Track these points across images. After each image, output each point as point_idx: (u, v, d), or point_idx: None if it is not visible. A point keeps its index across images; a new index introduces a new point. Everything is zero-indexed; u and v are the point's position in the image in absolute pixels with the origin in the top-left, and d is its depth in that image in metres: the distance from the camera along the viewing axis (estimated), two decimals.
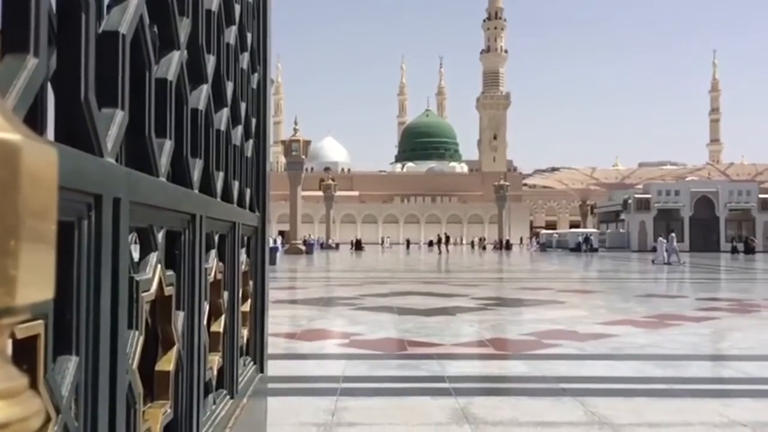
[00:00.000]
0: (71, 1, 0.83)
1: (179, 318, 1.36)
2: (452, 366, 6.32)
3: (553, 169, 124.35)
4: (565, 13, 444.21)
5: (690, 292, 16.04)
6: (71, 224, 0.83)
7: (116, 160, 0.99)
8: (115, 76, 0.97)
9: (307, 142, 45.00)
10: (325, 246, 58.71)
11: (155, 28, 1.33)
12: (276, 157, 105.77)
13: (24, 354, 0.68)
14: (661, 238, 33.31)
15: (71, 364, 0.81)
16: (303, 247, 43.56)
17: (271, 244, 24.50)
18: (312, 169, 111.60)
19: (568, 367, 6.44)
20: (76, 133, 0.86)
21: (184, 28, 1.43)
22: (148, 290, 1.13)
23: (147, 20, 1.13)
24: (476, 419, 4.46)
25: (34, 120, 1.10)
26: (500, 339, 8.25)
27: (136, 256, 1.24)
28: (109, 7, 1.01)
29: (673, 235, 33.45)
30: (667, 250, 31.50)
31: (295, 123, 44.86)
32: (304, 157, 44.26)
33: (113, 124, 0.95)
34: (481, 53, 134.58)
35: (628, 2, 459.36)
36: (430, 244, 55.46)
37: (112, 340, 0.92)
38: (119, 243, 0.94)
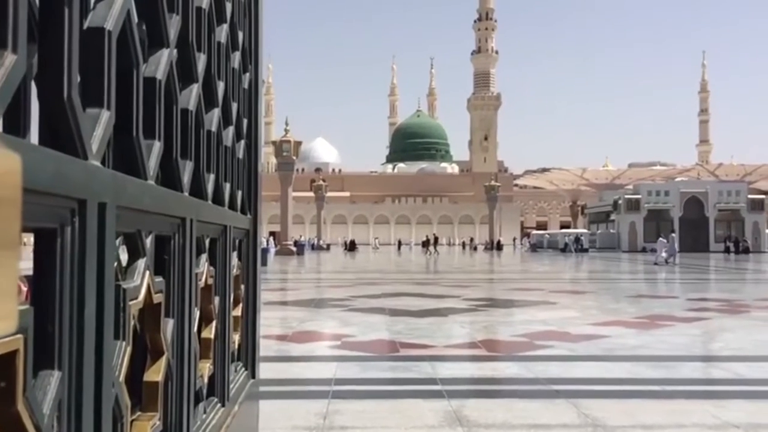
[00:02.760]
0: None
1: (168, 326, 1.31)
2: (444, 368, 6.29)
3: (544, 170, 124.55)
4: (556, 15, 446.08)
5: (681, 292, 16.08)
6: (53, 231, 0.79)
7: (102, 163, 0.94)
8: (100, 74, 0.92)
9: (298, 143, 44.95)
10: (316, 247, 58.68)
11: (144, 26, 1.29)
12: (267, 158, 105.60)
13: (2, 371, 0.64)
14: (661, 238, 33.17)
15: (53, 380, 0.77)
16: (294, 248, 43.49)
17: (263, 245, 24.43)
18: (303, 169, 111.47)
19: (561, 368, 6.43)
20: (58, 134, 0.81)
21: (173, 25, 1.38)
22: (136, 298, 1.08)
23: (135, 16, 1.09)
24: (469, 422, 4.43)
25: (16, 121, 1.05)
26: (492, 340, 8.23)
27: (124, 258, 1.20)
28: (95, 2, 0.96)
29: (674, 235, 33.38)
30: (666, 251, 31.28)
31: (286, 124, 44.81)
32: (295, 157, 44.23)
33: (98, 125, 0.91)
34: (471, 54, 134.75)
35: (617, 4, 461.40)
36: (424, 244, 55.47)
37: (97, 352, 0.87)
38: (105, 249, 0.90)
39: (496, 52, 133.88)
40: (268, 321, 9.14)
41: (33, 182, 0.67)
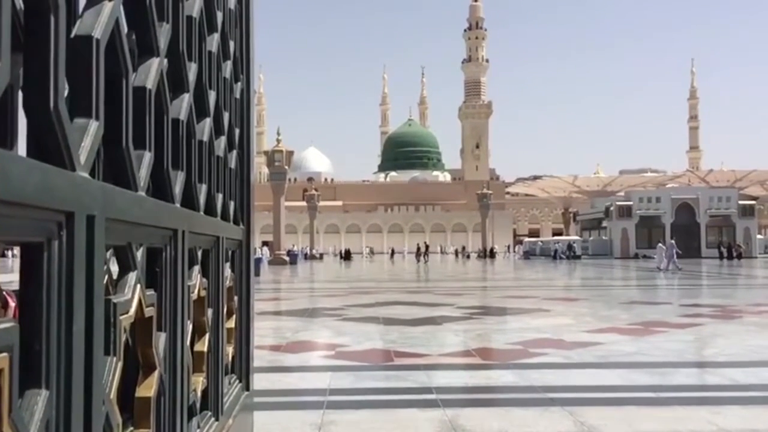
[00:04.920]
0: (40, 2, 0.76)
1: (161, 340, 1.29)
2: (439, 377, 6.27)
3: (536, 177, 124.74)
4: (546, 23, 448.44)
5: (675, 298, 16.09)
6: (40, 245, 0.76)
7: (91, 174, 0.92)
8: (88, 83, 0.90)
9: (290, 153, 44.93)
10: (309, 256, 58.53)
11: (133, 35, 1.27)
12: (259, 168, 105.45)
13: None
14: (660, 245, 33.12)
15: (41, 399, 0.74)
16: (287, 258, 43.41)
17: (257, 255, 24.28)
18: (295, 179, 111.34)
19: (556, 376, 6.40)
20: (45, 145, 0.79)
21: (163, 34, 1.36)
22: (127, 312, 1.06)
23: (124, 25, 1.07)
24: (465, 431, 4.41)
25: (2, 132, 1.03)
26: (487, 348, 8.21)
27: (114, 271, 1.17)
28: (83, 9, 0.94)
29: (673, 242, 33.37)
30: (666, 257, 31.22)
31: (278, 133, 44.77)
32: (287, 167, 44.20)
33: (87, 136, 0.88)
34: (462, 63, 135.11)
35: (607, 12, 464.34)
36: (417, 253, 55.28)
37: (86, 369, 0.85)
38: (94, 263, 0.87)
39: (487, 61, 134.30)
40: (262, 331, 9.08)
41: (18, 195, 0.65)
